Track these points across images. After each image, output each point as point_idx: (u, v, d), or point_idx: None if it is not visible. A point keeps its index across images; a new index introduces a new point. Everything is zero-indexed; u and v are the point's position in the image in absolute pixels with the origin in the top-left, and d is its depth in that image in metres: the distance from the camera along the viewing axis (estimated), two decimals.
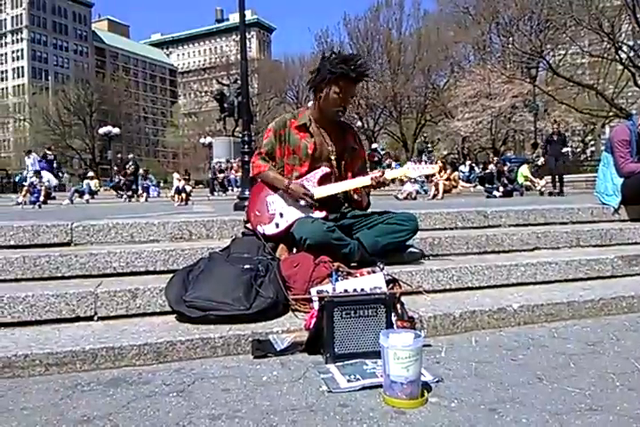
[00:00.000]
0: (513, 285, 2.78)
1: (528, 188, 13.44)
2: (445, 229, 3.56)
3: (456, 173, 15.39)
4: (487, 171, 14.86)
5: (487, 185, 13.38)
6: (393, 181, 2.79)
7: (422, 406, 1.50)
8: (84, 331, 2.11)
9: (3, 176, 29.77)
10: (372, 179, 2.71)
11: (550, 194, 10.94)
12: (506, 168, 13.23)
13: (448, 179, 13.07)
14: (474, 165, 19.51)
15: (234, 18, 75.49)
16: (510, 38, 29.99)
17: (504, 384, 1.65)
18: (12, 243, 2.90)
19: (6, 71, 77.53)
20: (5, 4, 78.09)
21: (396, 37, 37.08)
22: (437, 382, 1.67)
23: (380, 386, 1.59)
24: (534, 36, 28.36)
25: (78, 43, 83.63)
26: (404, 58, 35.94)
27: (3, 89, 74.50)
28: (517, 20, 29.74)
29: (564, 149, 12.19)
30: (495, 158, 15.72)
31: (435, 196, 11.74)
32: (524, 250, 3.29)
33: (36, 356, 1.84)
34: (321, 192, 2.73)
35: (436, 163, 10.72)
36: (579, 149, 37.99)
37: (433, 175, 12.61)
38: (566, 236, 3.44)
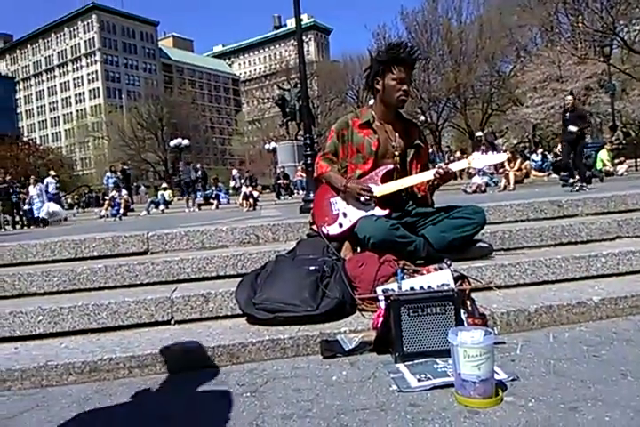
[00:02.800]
0: (593, 277, 2.62)
1: (608, 173, 12.64)
2: (517, 221, 3.43)
3: (527, 162, 14.71)
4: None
5: (562, 173, 12.69)
6: (460, 174, 2.70)
7: (497, 406, 1.45)
8: (163, 334, 2.21)
9: (87, 191, 31.79)
10: (435, 173, 2.64)
11: (564, 185, 9.05)
12: None
13: (519, 169, 12.52)
14: (546, 153, 18.57)
15: (291, 23, 76.57)
16: (579, 17, 28.31)
17: (585, 382, 1.57)
18: (94, 254, 3.11)
19: (83, 93, 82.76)
20: (78, 29, 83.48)
21: (455, 27, 35.99)
22: (513, 380, 1.61)
23: (452, 385, 1.55)
24: (605, 12, 26.63)
25: (147, 61, 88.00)
26: (466, 47, 34.82)
27: (81, 110, 79.64)
28: None
29: (571, 128, 8.96)
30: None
31: (505, 187, 11.30)
32: (604, 240, 3.10)
33: (120, 359, 1.95)
34: (383, 189, 2.69)
35: (504, 151, 10.07)
36: None
37: (502, 166, 12.15)
38: None
